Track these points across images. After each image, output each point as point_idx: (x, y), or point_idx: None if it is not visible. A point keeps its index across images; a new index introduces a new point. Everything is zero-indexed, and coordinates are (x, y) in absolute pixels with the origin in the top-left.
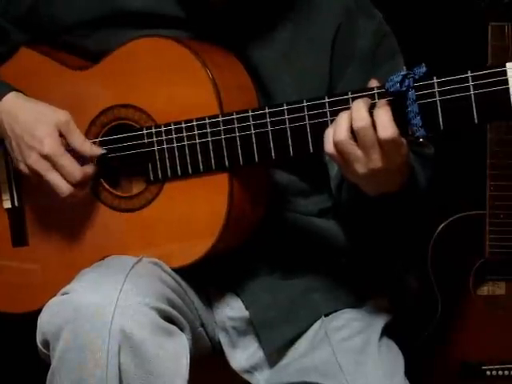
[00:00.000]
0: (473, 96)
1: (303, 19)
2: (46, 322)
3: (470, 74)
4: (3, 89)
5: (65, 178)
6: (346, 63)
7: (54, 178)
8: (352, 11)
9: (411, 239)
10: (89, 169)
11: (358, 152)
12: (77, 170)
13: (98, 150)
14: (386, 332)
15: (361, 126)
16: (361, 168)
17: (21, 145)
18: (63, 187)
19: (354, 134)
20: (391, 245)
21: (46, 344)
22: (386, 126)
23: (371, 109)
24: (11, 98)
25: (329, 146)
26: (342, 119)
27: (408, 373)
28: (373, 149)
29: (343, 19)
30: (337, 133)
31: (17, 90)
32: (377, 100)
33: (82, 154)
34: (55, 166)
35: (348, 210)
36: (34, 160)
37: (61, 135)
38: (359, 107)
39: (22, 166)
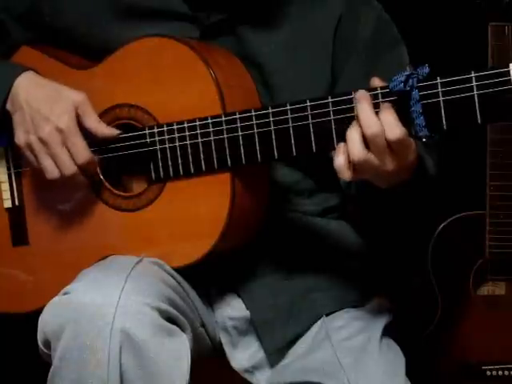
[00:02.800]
0: (476, 96)
1: (305, 11)
2: (47, 322)
3: (473, 75)
4: (22, 67)
5: (71, 157)
6: (348, 53)
7: (62, 153)
8: (352, 1)
9: (412, 239)
10: (95, 157)
11: (375, 160)
12: (86, 152)
13: (114, 131)
14: (387, 332)
15: (373, 133)
16: (372, 171)
17: (36, 117)
18: (68, 165)
19: (365, 141)
20: (395, 242)
21: (47, 344)
22: (393, 127)
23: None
24: (30, 75)
25: (339, 159)
26: (353, 134)
27: (408, 372)
28: (385, 152)
29: (344, 10)
30: (352, 153)
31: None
32: (380, 99)
33: (98, 135)
34: (66, 142)
35: (358, 201)
36: (47, 132)
37: (77, 116)
38: (368, 114)
39: (32, 138)
